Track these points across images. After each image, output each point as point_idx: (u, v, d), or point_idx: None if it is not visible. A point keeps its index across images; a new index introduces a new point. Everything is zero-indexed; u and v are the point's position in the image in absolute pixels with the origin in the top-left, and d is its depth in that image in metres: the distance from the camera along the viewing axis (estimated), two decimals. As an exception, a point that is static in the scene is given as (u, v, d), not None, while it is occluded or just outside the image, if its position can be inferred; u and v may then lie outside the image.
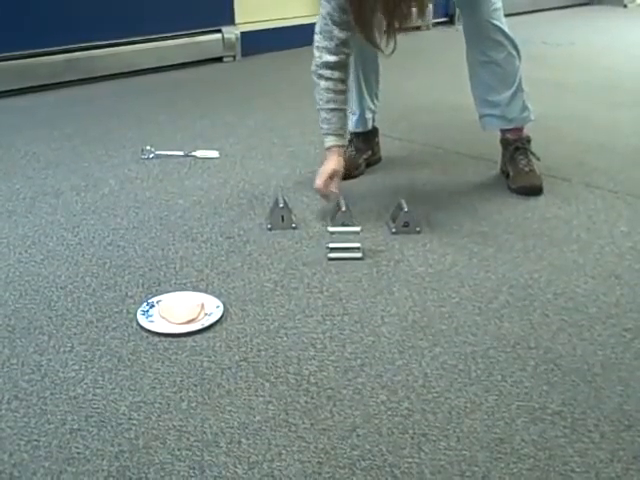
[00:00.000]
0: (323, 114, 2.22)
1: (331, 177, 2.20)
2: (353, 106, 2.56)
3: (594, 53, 4.88)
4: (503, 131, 2.52)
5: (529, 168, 2.46)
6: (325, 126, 2.22)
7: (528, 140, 2.51)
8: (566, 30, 5.81)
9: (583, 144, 2.96)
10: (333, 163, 2.21)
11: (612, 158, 2.79)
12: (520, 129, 2.50)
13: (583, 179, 2.56)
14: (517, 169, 2.46)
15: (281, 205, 2.15)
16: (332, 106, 2.20)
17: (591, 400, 1.43)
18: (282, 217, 2.15)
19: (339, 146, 2.24)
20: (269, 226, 2.15)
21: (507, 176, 2.51)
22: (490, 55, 2.37)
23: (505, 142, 2.53)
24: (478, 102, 2.50)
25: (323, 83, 2.19)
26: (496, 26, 2.36)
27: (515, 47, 2.40)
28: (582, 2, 7.27)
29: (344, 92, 2.23)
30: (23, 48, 3.71)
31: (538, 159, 2.49)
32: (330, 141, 2.23)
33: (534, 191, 2.42)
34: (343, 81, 2.21)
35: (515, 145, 2.49)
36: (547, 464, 1.26)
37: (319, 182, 2.19)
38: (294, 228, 2.15)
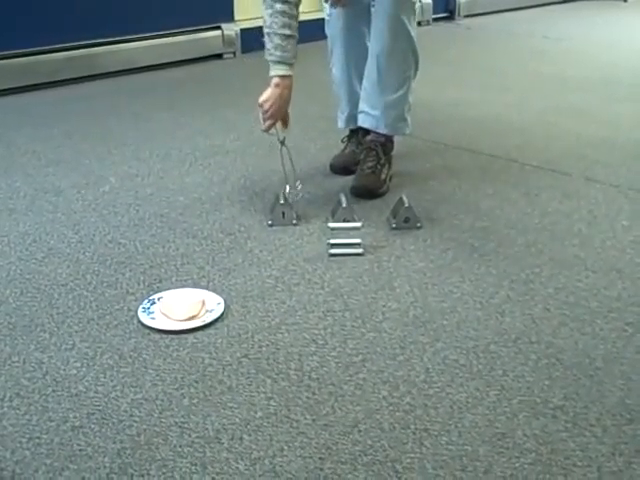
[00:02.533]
0: (277, 40, 2.08)
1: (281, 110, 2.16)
2: (342, 104, 2.56)
3: (595, 47, 4.87)
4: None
5: (372, 170, 2.38)
6: (278, 53, 2.08)
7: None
8: (567, 25, 5.80)
9: (583, 138, 2.95)
10: (284, 93, 2.13)
11: (613, 152, 2.79)
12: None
13: (584, 173, 2.56)
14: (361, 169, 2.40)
15: (282, 202, 2.15)
16: (288, 32, 2.08)
17: (593, 394, 1.42)
18: (283, 213, 2.15)
19: (290, 76, 2.13)
20: (270, 222, 2.15)
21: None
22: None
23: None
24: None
25: (279, 6, 2.06)
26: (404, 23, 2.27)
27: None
28: (582, -4, 7.26)
29: (297, 18, 2.12)
30: (23, 46, 3.71)
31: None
32: (281, 70, 2.10)
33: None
34: (297, 6, 2.11)
35: (369, 146, 2.43)
36: (549, 458, 1.26)
37: (268, 115, 2.14)
38: (295, 224, 2.14)
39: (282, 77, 2.12)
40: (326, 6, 2.46)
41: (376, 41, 2.29)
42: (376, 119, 2.39)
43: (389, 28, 2.25)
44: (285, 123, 2.24)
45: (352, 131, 2.60)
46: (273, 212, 2.16)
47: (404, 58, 2.32)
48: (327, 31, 2.50)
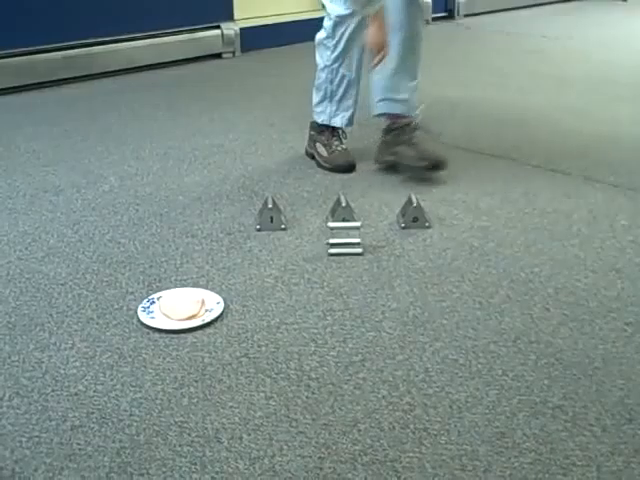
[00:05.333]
0: None
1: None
2: (348, 103, 2.56)
3: (594, 47, 4.87)
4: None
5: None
6: None
7: None
8: (565, 24, 5.80)
9: (583, 138, 2.95)
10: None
11: (612, 152, 2.79)
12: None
13: (583, 173, 2.56)
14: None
15: (270, 206, 2.12)
16: None
17: (592, 394, 1.43)
18: (271, 218, 2.12)
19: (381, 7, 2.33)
20: (258, 227, 2.13)
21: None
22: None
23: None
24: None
25: None
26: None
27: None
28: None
29: None
30: (22, 45, 3.70)
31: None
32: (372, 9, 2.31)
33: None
34: None
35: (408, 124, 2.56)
36: (548, 458, 1.26)
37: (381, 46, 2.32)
38: (283, 229, 2.13)
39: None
40: (335, 7, 2.42)
41: (400, 28, 2.42)
42: (405, 104, 2.53)
43: (412, 14, 2.41)
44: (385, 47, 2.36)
45: (336, 129, 2.61)
46: (261, 217, 2.14)
47: (421, 43, 2.49)
48: (337, 31, 2.45)
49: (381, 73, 2.50)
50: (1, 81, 3.65)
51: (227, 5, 4.55)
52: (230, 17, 4.58)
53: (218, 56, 4.55)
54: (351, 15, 2.39)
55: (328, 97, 2.57)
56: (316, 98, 2.62)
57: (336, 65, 2.52)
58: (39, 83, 3.78)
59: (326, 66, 2.54)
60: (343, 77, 2.53)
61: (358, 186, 2.44)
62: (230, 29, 4.56)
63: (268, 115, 3.29)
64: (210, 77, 4.16)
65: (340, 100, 2.56)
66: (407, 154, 2.47)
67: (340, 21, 2.43)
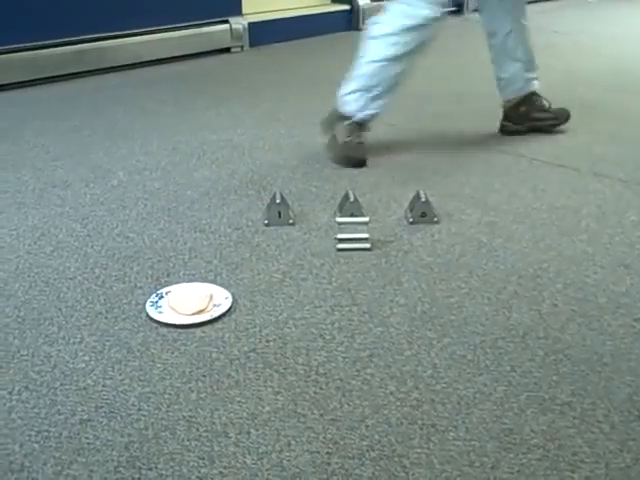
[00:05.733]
0: None
1: None
2: (383, 102, 2.53)
3: (604, 42, 4.85)
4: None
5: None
6: None
7: None
8: (576, 19, 5.78)
9: (592, 133, 2.94)
10: None
11: (621, 147, 2.78)
12: None
13: (592, 168, 2.55)
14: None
15: (278, 201, 2.12)
16: None
17: (601, 390, 1.42)
18: (279, 213, 2.12)
19: None
20: (266, 222, 2.13)
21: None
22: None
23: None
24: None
25: None
26: None
27: None
28: (592, -10, 7.22)
29: None
30: (29, 40, 3.71)
31: None
32: None
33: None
34: None
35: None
36: (556, 454, 1.26)
37: None
38: (291, 224, 2.12)
39: None
40: (422, 9, 2.38)
41: (517, 12, 2.69)
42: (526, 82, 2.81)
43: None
44: None
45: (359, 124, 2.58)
46: (269, 212, 2.14)
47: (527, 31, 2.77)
48: (411, 33, 2.41)
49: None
50: (9, 76, 3.66)
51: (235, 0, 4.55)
52: (238, 11, 4.58)
53: (226, 51, 4.55)
54: (435, 19, 2.37)
55: (364, 91, 2.50)
56: (348, 87, 2.54)
57: (389, 64, 2.45)
58: (46, 78, 3.79)
59: (375, 61, 2.46)
60: (390, 78, 2.48)
61: (366, 181, 2.44)
62: (238, 24, 4.55)
63: (276, 110, 3.29)
64: (218, 72, 4.16)
65: (375, 98, 2.51)
66: (543, 116, 2.86)
67: (422, 25, 2.38)
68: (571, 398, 1.40)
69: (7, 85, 3.65)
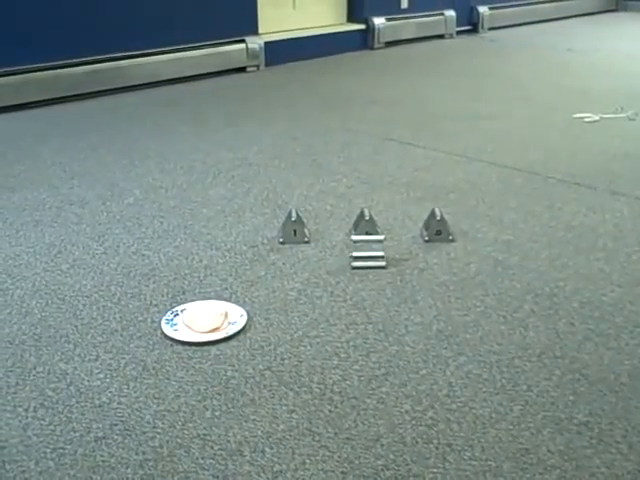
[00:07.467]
0: None
1: None
2: None
3: (619, 60, 4.84)
4: None
5: None
6: None
7: None
8: (591, 37, 5.77)
9: (609, 152, 2.93)
10: None
11: (638, 165, 2.76)
12: None
13: (609, 187, 2.54)
14: None
15: (293, 219, 2.13)
16: None
17: (618, 410, 1.41)
18: (295, 231, 2.13)
19: None
20: (281, 240, 2.14)
21: None
22: None
23: None
24: None
25: None
26: None
27: None
28: (608, 9, 7.23)
29: None
30: (49, 59, 3.76)
31: None
32: None
33: None
34: None
35: None
36: (573, 475, 1.25)
37: None
38: (307, 242, 2.13)
39: None
40: None
41: None
42: None
43: None
44: None
45: None
46: (284, 229, 2.14)
47: None
48: None
49: None
50: (28, 95, 3.71)
51: (252, 19, 4.59)
52: (255, 31, 4.62)
53: (243, 70, 4.59)
54: None
55: None
56: None
57: None
58: (65, 97, 3.83)
59: None
60: None
61: (381, 199, 2.44)
62: (255, 43, 4.59)
63: (291, 129, 3.31)
64: (234, 91, 4.18)
65: None
66: None
67: None
68: (588, 418, 1.39)
69: (27, 104, 3.70)
